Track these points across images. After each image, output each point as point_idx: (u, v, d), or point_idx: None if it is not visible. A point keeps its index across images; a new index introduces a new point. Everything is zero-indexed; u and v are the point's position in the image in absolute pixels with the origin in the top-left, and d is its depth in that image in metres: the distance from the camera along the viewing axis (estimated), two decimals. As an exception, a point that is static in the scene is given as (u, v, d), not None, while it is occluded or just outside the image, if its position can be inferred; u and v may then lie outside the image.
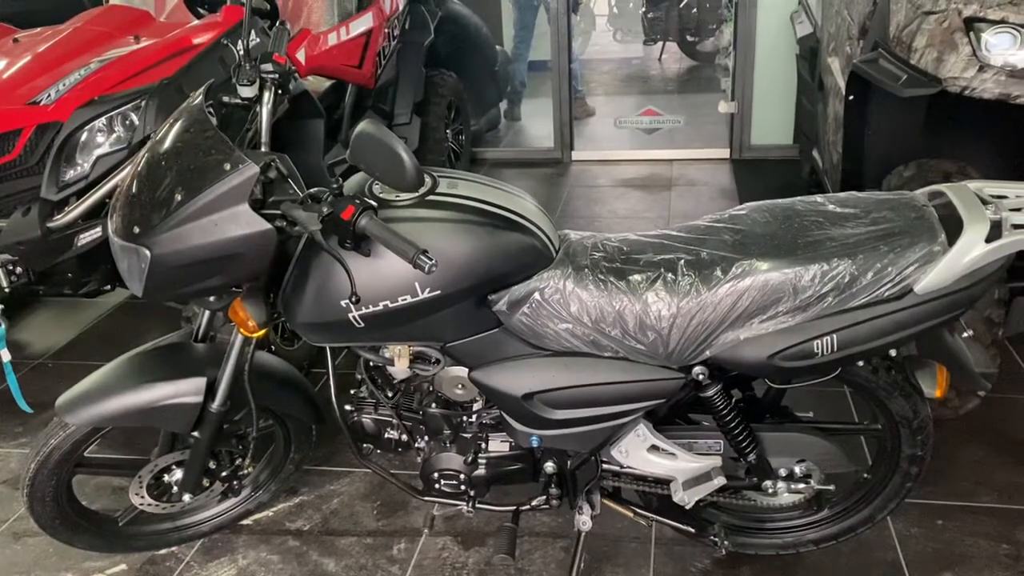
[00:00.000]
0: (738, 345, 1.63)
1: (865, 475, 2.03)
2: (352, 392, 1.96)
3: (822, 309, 1.59)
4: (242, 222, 1.54)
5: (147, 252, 1.55)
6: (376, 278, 1.59)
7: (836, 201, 1.73)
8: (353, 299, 1.52)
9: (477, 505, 1.96)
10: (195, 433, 1.94)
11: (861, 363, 1.76)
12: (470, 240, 1.61)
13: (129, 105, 2.61)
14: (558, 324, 1.66)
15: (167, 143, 1.62)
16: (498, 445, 1.91)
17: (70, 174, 2.57)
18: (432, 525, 2.08)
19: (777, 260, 1.60)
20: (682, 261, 1.66)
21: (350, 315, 1.62)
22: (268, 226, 1.55)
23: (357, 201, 1.50)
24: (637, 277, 1.65)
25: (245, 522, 2.35)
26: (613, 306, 1.64)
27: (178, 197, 1.54)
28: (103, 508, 2.27)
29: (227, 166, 1.53)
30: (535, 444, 1.80)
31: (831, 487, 1.94)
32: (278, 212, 1.58)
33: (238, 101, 1.88)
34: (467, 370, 1.76)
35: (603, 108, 6.39)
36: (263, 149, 1.79)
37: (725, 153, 5.21)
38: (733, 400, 1.80)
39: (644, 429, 1.81)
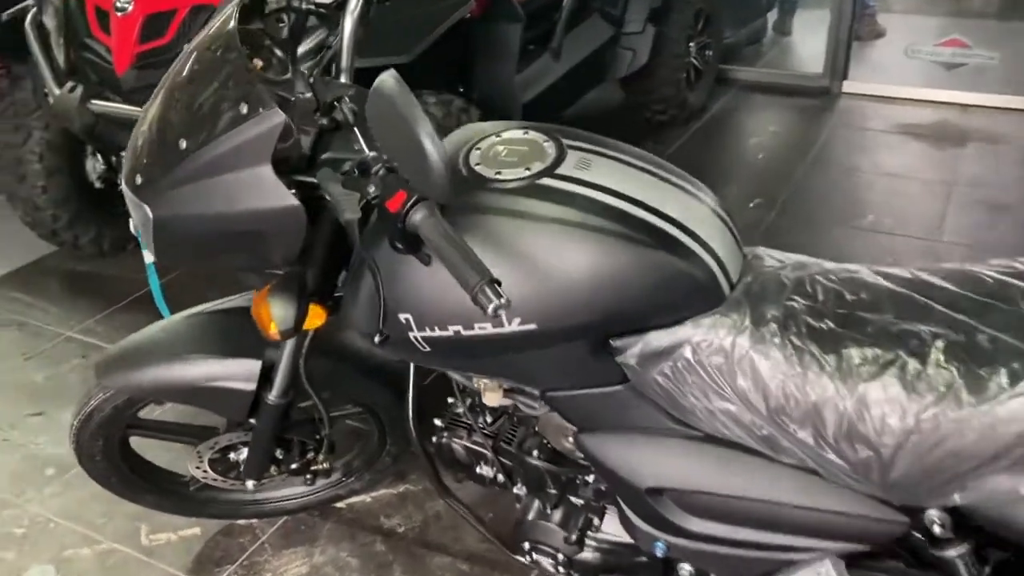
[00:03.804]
0: (1018, 500, 0.95)
1: None
2: (444, 410, 1.49)
3: None
4: (262, 190, 1.07)
5: (148, 212, 1.14)
6: (444, 292, 1.06)
7: None
8: (378, 337, 1.02)
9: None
10: (252, 420, 1.58)
11: None
12: (591, 255, 1.05)
13: (291, -12, 2.23)
14: (713, 400, 1.07)
15: (186, 65, 1.16)
16: (616, 527, 1.36)
17: (221, 65, 2.25)
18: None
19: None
20: (940, 341, 0.98)
21: (411, 335, 1.13)
22: (294, 202, 1.07)
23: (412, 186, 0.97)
24: (856, 353, 1.00)
25: (339, 505, 2.01)
26: (808, 392, 1.01)
27: (183, 144, 1.09)
28: (177, 468, 1.97)
29: (244, 108, 1.05)
30: (659, 552, 1.24)
31: None
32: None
33: (312, 7, 1.36)
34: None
35: (895, 30, 5.22)
36: (343, 79, 1.26)
37: (1050, 105, 4.03)
38: (987, 570, 1.11)
39: (830, 566, 1.18)
